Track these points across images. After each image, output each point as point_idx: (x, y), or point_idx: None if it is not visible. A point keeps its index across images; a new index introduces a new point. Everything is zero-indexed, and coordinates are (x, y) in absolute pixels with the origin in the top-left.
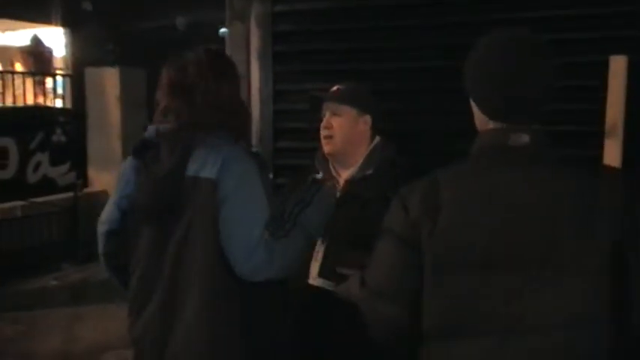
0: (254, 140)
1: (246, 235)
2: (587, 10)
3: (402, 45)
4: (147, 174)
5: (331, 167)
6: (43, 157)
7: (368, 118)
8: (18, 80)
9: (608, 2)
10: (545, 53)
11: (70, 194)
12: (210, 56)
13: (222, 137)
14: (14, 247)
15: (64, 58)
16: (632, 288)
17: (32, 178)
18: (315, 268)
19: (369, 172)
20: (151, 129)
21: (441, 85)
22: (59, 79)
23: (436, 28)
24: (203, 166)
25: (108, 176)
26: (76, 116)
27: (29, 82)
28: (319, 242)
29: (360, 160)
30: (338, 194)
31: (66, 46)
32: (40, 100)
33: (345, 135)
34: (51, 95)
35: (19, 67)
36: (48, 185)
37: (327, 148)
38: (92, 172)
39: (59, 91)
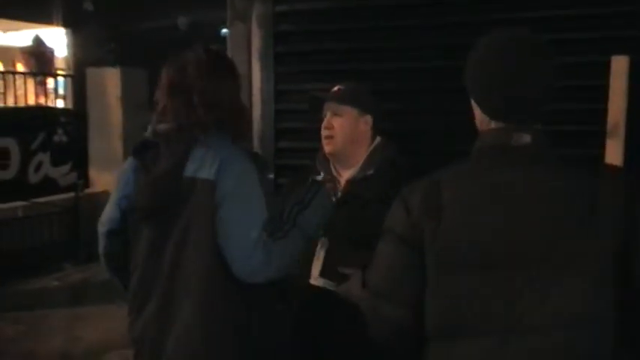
0: (255, 140)
1: (243, 236)
2: (587, 10)
3: (403, 45)
4: (146, 174)
5: (332, 167)
6: (44, 158)
7: (369, 119)
8: (19, 80)
9: (609, 2)
10: (545, 53)
11: (72, 194)
12: (210, 56)
13: (220, 137)
14: (15, 247)
15: (66, 59)
16: (633, 288)
17: (33, 178)
18: (316, 268)
19: (370, 172)
20: (151, 129)
21: (441, 85)
22: (60, 79)
23: (437, 27)
24: (201, 166)
25: (109, 176)
26: (77, 116)
27: (30, 82)
28: (320, 242)
29: (361, 161)
30: (339, 194)
31: (67, 46)
32: (42, 100)
33: (346, 135)
34: (52, 95)
35: (20, 67)
36: (49, 185)
37: (327, 148)
38: (93, 173)
39: (60, 91)
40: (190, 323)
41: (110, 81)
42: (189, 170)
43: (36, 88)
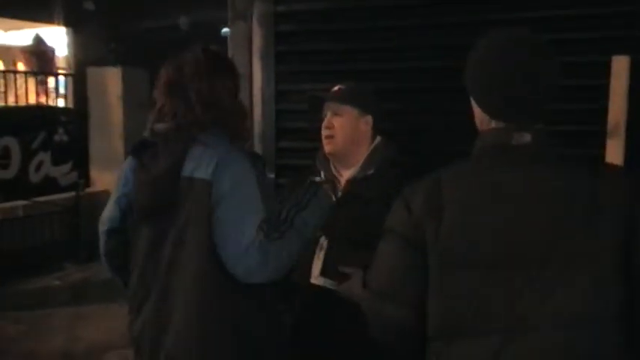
0: (256, 140)
1: (240, 237)
2: (587, 10)
3: (404, 45)
4: (144, 174)
5: (332, 167)
6: (45, 157)
7: (369, 118)
8: (20, 80)
9: (609, 2)
10: (545, 53)
11: (72, 194)
12: (208, 56)
13: (218, 137)
14: (16, 246)
15: (66, 58)
16: (634, 288)
17: (34, 177)
18: (317, 267)
19: (371, 172)
20: (148, 128)
21: (441, 85)
22: (61, 78)
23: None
24: (198, 166)
25: (110, 176)
26: (78, 116)
27: (31, 81)
28: (321, 242)
29: (362, 160)
30: (339, 194)
31: (68, 45)
32: (43, 99)
33: (347, 135)
34: (53, 95)
35: (21, 66)
36: (50, 185)
37: (328, 148)
38: (94, 172)
39: (61, 90)
40: (187, 323)
41: (111, 80)
42: (187, 170)
43: (37, 88)
